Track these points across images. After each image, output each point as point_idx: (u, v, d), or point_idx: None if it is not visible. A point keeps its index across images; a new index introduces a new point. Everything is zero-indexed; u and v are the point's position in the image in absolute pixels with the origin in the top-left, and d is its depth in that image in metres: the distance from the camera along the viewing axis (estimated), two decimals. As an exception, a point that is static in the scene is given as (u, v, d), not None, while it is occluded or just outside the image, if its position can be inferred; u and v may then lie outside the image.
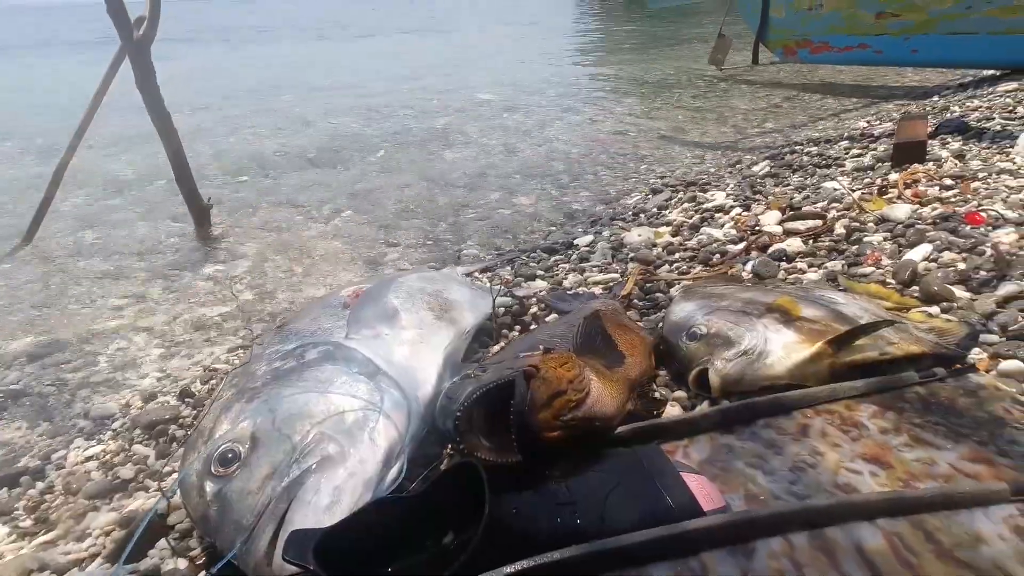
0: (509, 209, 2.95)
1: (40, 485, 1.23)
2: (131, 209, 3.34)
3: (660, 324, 1.47)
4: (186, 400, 1.48)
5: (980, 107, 3.71)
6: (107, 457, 1.30)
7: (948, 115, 3.68)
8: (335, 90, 6.28)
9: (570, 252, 2.35)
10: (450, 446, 0.87)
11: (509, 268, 2.21)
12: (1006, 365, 1.17)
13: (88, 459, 1.30)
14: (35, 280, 2.56)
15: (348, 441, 0.88)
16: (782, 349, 1.14)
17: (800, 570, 0.71)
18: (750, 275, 1.75)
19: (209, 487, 0.85)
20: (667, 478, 0.82)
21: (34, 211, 2.85)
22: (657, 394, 1.21)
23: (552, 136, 4.35)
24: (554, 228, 2.73)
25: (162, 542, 0.93)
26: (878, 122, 4.11)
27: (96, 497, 1.15)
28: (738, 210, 2.48)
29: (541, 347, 0.98)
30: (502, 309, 1.68)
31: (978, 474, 0.90)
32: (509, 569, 0.66)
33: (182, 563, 0.90)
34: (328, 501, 0.81)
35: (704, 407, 1.16)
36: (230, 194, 3.45)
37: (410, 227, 2.81)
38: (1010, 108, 3.43)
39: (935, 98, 4.98)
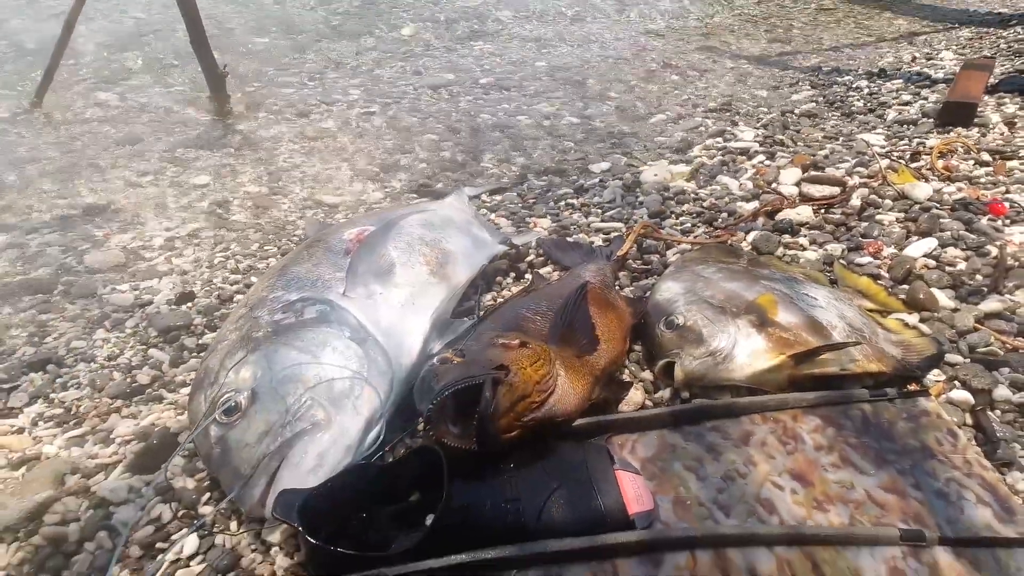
0: (530, 119, 2.87)
1: (66, 375, 1.39)
2: (148, 68, 3.27)
3: (647, 294, 1.53)
4: (190, 306, 1.62)
5: (1057, 57, 3.41)
6: (128, 356, 1.45)
7: (1021, 61, 3.40)
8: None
9: (582, 181, 2.33)
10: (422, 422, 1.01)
11: (515, 194, 2.22)
12: (955, 394, 1.24)
13: (110, 358, 1.45)
14: (56, 145, 2.60)
15: (334, 409, 0.99)
16: (747, 356, 1.21)
17: (697, 583, 0.85)
18: (749, 247, 1.78)
19: (213, 431, 0.99)
20: (603, 481, 0.94)
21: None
22: (626, 374, 1.31)
23: (592, 34, 4.05)
24: (572, 147, 2.68)
25: (169, 462, 1.09)
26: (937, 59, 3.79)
27: (118, 398, 1.31)
28: (761, 157, 2.42)
29: (517, 339, 1.06)
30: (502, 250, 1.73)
31: (886, 504, 1.01)
32: (455, 559, 0.80)
33: (190, 482, 1.07)
34: (313, 464, 0.94)
35: (665, 394, 1.26)
36: (244, 55, 3.34)
37: (426, 131, 2.76)
38: (1087, 66, 3.16)
39: (1019, 29, 4.54)
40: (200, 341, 1.48)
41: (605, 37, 3.94)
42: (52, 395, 1.34)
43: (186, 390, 1.30)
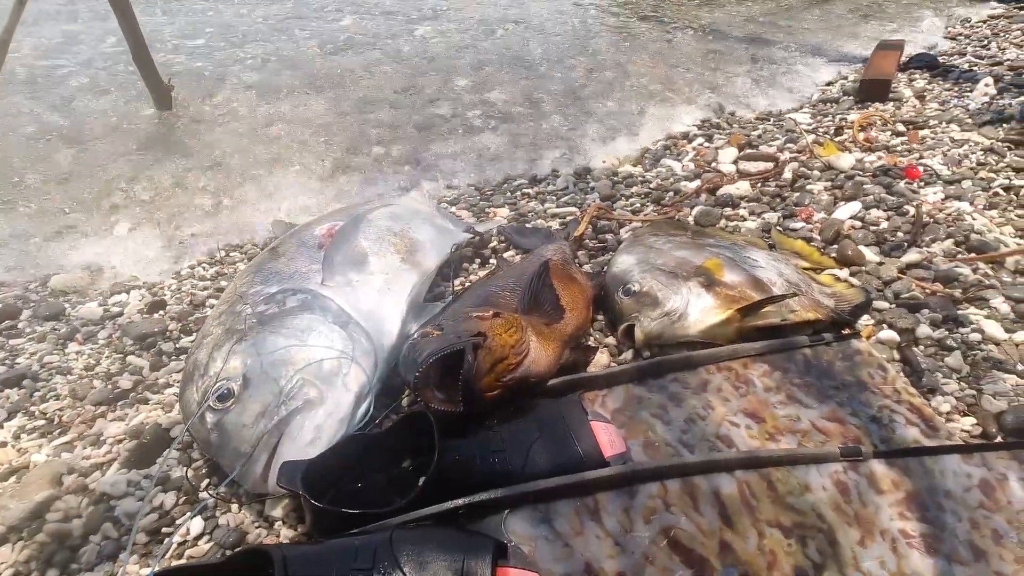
0: (481, 112, 2.96)
1: (43, 388, 1.40)
2: (91, 83, 3.21)
3: (605, 268, 1.64)
4: (162, 313, 1.64)
5: (960, 35, 3.71)
6: (105, 366, 1.46)
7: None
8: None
9: (535, 173, 2.43)
10: (408, 391, 1.08)
11: (473, 187, 2.31)
12: (883, 334, 1.39)
13: (87, 369, 1.46)
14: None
15: (325, 386, 1.06)
16: (699, 313, 1.33)
17: (668, 508, 0.95)
18: (694, 220, 1.91)
19: (209, 418, 1.04)
20: (579, 430, 1.03)
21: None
22: (591, 341, 1.41)
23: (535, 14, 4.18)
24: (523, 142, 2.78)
25: (169, 451, 1.13)
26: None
27: (101, 404, 1.32)
28: (701, 140, 2.57)
29: (491, 311, 1.14)
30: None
31: (829, 431, 1.14)
32: (451, 504, 0.88)
33: (188, 471, 1.11)
34: (311, 437, 1.01)
35: (628, 355, 1.37)
36: (187, 62, 3.31)
37: (377, 133, 2.82)
38: (985, 41, 3.45)
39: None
40: (178, 345, 1.50)
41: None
42: (32, 408, 1.35)
43: (171, 391, 1.33)
